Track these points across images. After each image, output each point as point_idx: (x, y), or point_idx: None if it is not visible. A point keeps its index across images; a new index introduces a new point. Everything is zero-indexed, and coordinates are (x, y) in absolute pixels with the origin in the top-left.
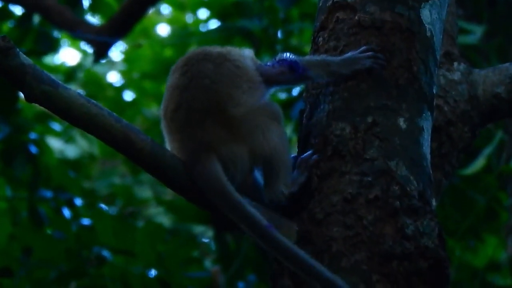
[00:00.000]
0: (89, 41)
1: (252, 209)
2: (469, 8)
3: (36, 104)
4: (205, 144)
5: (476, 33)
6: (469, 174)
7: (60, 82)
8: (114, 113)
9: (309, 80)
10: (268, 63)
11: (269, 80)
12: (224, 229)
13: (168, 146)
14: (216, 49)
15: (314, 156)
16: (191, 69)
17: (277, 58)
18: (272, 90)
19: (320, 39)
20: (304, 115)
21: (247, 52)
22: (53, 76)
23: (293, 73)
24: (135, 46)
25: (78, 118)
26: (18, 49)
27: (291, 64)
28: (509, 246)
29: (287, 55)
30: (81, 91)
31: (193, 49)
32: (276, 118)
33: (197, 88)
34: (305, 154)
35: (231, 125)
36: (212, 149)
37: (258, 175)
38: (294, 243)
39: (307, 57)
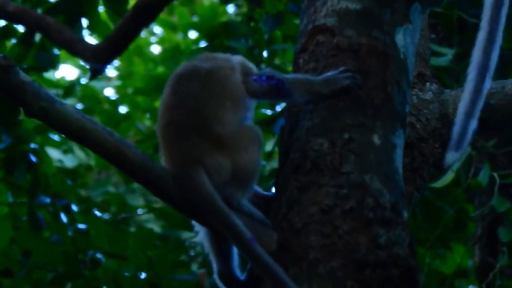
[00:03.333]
0: (86, 60)
1: (237, 220)
2: (440, 32)
3: None
4: (192, 156)
5: (447, 55)
6: (439, 186)
7: (57, 98)
8: (108, 128)
9: (290, 99)
10: (255, 77)
11: (253, 94)
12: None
13: (161, 158)
14: (206, 64)
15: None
16: (180, 89)
17: (266, 73)
18: (255, 101)
19: (301, 60)
20: (285, 132)
21: (236, 61)
22: (50, 92)
23: (278, 93)
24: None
25: (73, 132)
26: (18, 67)
27: (277, 84)
28: (476, 255)
29: (274, 73)
30: (79, 105)
31: (185, 64)
32: (258, 142)
33: (184, 108)
34: None
35: (216, 140)
36: (198, 160)
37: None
38: (274, 250)
39: (292, 76)
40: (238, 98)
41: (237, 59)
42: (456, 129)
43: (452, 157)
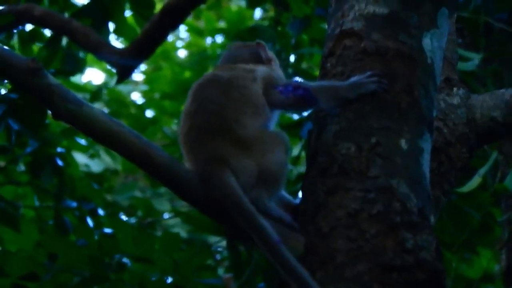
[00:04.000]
0: (112, 64)
1: (264, 222)
2: (467, 36)
3: None
4: (217, 157)
5: (474, 60)
6: (466, 191)
7: (84, 101)
8: (135, 131)
9: (317, 107)
10: (280, 88)
11: (280, 105)
12: (236, 239)
13: (184, 162)
14: (226, 74)
15: None
16: (200, 95)
17: (291, 83)
18: (278, 112)
19: (328, 64)
20: (313, 135)
21: (260, 73)
22: (78, 95)
23: (305, 103)
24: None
25: (100, 135)
26: (46, 70)
27: (303, 94)
28: (502, 259)
29: (300, 81)
30: (105, 109)
31: (206, 74)
32: (283, 145)
33: (206, 111)
34: None
35: (239, 142)
36: (224, 162)
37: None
38: (301, 254)
39: (317, 83)
40: (257, 107)
41: (262, 71)
42: None
43: None
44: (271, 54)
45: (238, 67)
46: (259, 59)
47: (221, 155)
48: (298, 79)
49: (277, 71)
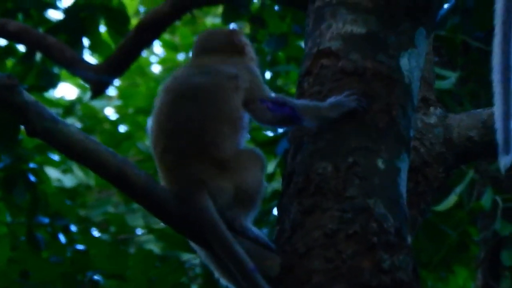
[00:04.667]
0: (87, 79)
1: (240, 249)
2: (444, 55)
3: None
4: (195, 180)
5: (450, 78)
6: (442, 209)
7: (60, 118)
8: (110, 149)
9: (299, 124)
10: (267, 104)
11: (264, 121)
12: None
13: (160, 180)
14: (204, 79)
15: None
16: (177, 112)
17: (277, 99)
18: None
19: (306, 83)
20: (289, 154)
21: (245, 79)
22: (53, 113)
23: (290, 121)
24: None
25: (76, 153)
26: (21, 87)
27: (290, 114)
28: (478, 278)
29: (284, 99)
30: (79, 124)
31: (181, 73)
32: (260, 163)
33: (183, 134)
34: None
35: (217, 163)
36: (201, 184)
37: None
38: (278, 274)
39: (301, 102)
40: (235, 122)
41: (245, 78)
42: (500, 135)
43: (506, 161)
44: (246, 40)
45: (217, 68)
46: (234, 48)
47: (198, 178)
48: (281, 96)
49: (255, 67)
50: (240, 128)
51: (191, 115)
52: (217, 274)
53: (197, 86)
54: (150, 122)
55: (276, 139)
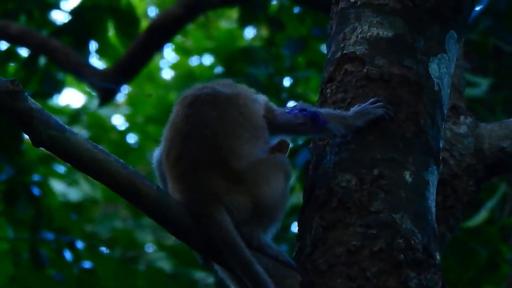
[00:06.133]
0: (94, 86)
1: (260, 269)
2: (475, 60)
3: None
4: (211, 194)
5: (482, 85)
6: (472, 226)
7: (67, 127)
8: (121, 160)
9: (327, 132)
10: (287, 110)
11: (287, 125)
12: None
13: (170, 188)
14: (226, 89)
15: None
16: (195, 114)
17: (297, 106)
18: (280, 137)
19: (328, 90)
20: (310, 166)
21: (262, 98)
22: (60, 121)
23: (314, 124)
24: (146, 96)
25: (84, 164)
26: (26, 93)
27: (313, 116)
28: None
29: (306, 106)
30: (85, 133)
31: (203, 85)
32: (283, 173)
33: (199, 139)
34: None
35: (235, 177)
36: (219, 199)
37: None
38: None
39: (324, 109)
40: (256, 129)
41: (262, 97)
42: None
43: None
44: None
45: (239, 85)
46: None
47: (215, 192)
48: (302, 103)
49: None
50: (263, 136)
51: (209, 116)
52: None
53: (218, 92)
54: (164, 130)
55: (296, 149)
